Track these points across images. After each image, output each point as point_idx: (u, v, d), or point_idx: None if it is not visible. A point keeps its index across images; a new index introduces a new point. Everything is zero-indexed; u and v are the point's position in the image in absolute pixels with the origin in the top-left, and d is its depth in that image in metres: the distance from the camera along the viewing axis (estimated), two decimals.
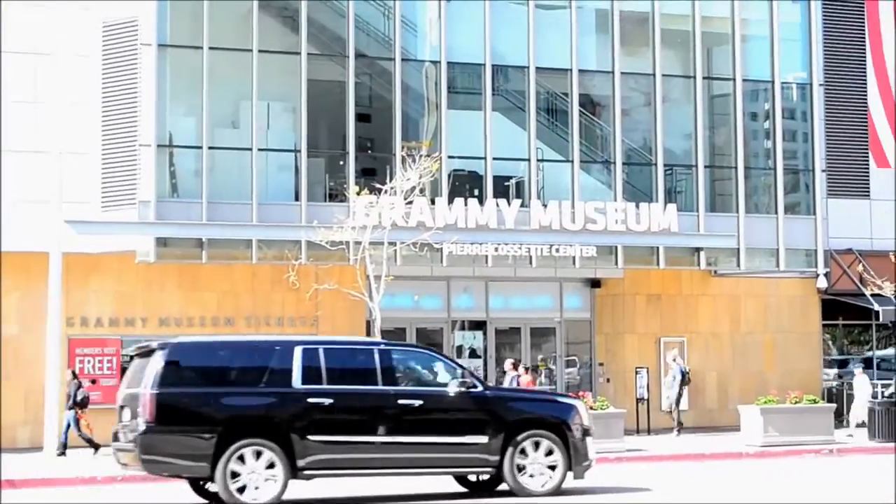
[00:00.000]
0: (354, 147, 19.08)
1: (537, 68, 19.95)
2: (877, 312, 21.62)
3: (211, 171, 18.25)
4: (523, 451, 9.79)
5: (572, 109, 20.49)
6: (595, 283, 21.73)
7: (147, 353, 9.97)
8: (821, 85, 21.49)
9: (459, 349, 21.30)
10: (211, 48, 17.85)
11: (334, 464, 9.40)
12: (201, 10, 17.88)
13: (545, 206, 19.48)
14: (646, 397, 20.19)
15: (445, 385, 9.95)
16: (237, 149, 18.64)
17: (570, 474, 9.91)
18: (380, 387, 9.50)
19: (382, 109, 20.28)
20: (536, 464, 9.83)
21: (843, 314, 23.25)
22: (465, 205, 18.89)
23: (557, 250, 19.56)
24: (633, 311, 22.38)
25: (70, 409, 15.71)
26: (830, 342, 24.36)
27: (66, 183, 15.56)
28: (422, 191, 17.51)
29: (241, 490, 8.91)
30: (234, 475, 8.79)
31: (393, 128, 19.21)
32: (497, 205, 19.04)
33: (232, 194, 18.65)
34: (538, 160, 20.30)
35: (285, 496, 9.19)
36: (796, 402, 18.19)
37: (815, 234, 21.68)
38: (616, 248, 20.28)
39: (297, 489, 9.64)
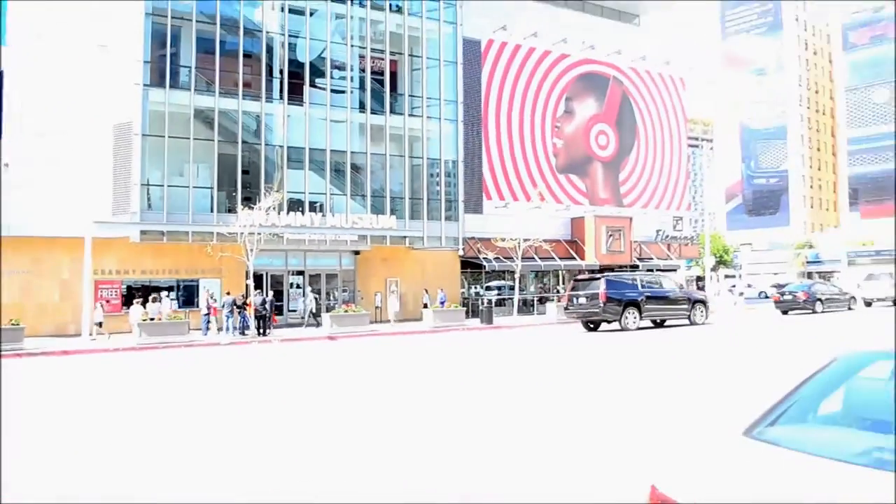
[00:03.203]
0: (241, 186, 30.14)
1: (331, 150, 32.04)
2: (486, 266, 35.54)
3: (170, 198, 28.83)
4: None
5: (347, 169, 32.48)
6: (357, 252, 33.28)
7: (594, 279, 25.97)
8: (461, 161, 35.66)
9: (291, 285, 32.47)
10: (170, 136, 28.87)
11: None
12: (164, 117, 28.78)
13: (333, 216, 31.35)
14: (378, 306, 33.10)
15: None
16: (185, 186, 29.19)
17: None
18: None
19: (256, 168, 30.84)
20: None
21: (470, 267, 37.21)
22: (296, 215, 30.30)
23: (338, 237, 31.57)
24: (375, 266, 34.12)
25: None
26: (464, 279, 38.22)
27: (90, 199, 27.61)
28: (274, 208, 28.09)
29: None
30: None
31: (260, 177, 30.37)
32: (311, 216, 30.77)
33: (179, 209, 29.09)
34: (331, 194, 32.09)
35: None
36: (451, 307, 31.20)
37: (458, 229, 35.31)
38: (367, 236, 32.14)
39: None
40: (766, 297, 54.75)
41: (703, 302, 27.84)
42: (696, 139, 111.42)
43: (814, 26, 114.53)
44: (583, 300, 25.54)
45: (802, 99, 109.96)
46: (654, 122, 48.21)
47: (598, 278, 25.97)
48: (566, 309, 26.84)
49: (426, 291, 34.04)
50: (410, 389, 12.55)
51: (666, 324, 27.13)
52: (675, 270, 41.88)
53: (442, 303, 32.65)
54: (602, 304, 24.85)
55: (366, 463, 6.85)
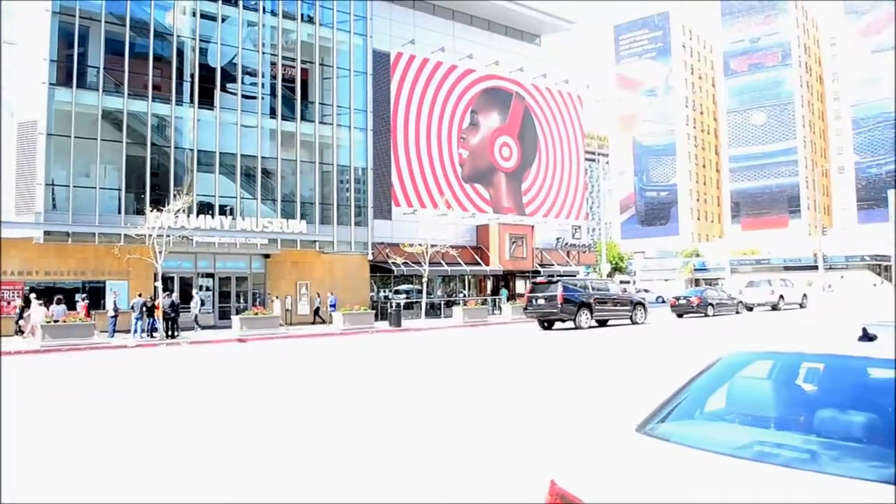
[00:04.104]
0: (150, 189, 29.43)
1: (242, 155, 31.87)
2: (394, 271, 36.56)
3: (75, 198, 27.95)
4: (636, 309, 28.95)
5: (258, 174, 32.34)
6: (267, 256, 33.15)
7: (552, 282, 27.78)
8: (371, 168, 36.13)
9: (201, 287, 31.70)
10: (76, 137, 28.01)
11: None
12: (70, 117, 27.87)
13: (244, 219, 31.07)
14: (289, 309, 33.20)
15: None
16: (92, 187, 28.29)
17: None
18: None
19: (165, 171, 30.22)
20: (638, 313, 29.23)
21: (379, 271, 37.78)
22: (205, 218, 29.71)
23: (249, 241, 31.27)
24: (285, 269, 34.00)
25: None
26: (373, 283, 38.60)
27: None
28: (184, 211, 27.81)
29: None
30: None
31: (170, 180, 29.75)
32: (221, 219, 30.27)
33: (86, 210, 28.15)
34: (241, 198, 31.90)
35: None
36: (360, 310, 31.13)
37: (368, 235, 35.72)
38: (277, 240, 31.94)
39: None
40: (663, 301, 57.17)
41: (643, 304, 30.29)
42: (593, 153, 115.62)
43: (699, 53, 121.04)
44: (541, 301, 27.43)
45: (689, 119, 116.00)
46: (553, 136, 50.05)
47: (556, 282, 27.88)
48: (525, 309, 28.84)
49: (318, 295, 33.91)
50: (324, 390, 12.49)
51: (609, 323, 29.09)
52: (574, 276, 43.40)
53: (332, 306, 32.63)
54: (560, 305, 26.89)
55: (276, 466, 6.67)
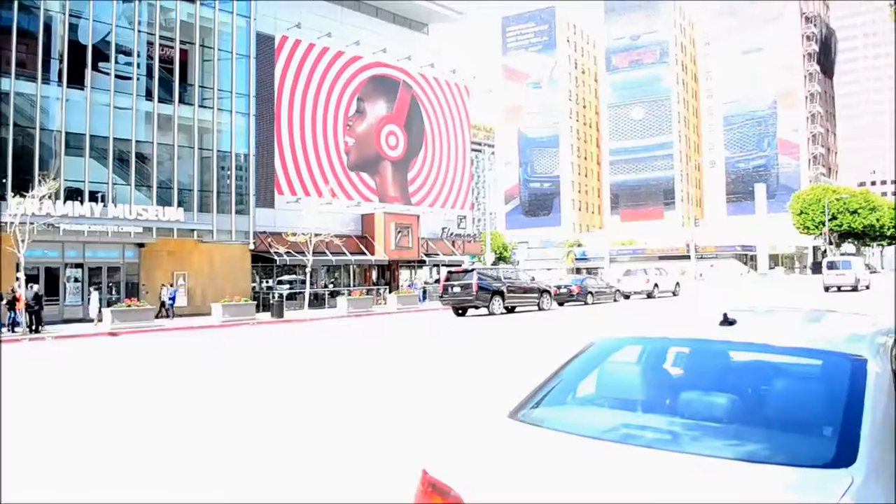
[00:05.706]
0: (12, 173, 27.68)
1: (115, 138, 30.74)
2: (277, 261, 36.41)
3: None
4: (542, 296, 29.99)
5: (132, 159, 31.37)
6: (141, 245, 32.33)
7: (467, 271, 29.78)
8: (253, 155, 35.76)
9: (69, 278, 30.53)
10: None
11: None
12: None
13: (116, 206, 29.97)
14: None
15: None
16: None
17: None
18: None
19: (29, 154, 28.63)
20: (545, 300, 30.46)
21: (261, 261, 37.51)
22: (74, 204, 28.62)
23: (121, 229, 30.28)
24: (160, 259, 33.15)
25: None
26: (255, 274, 38.23)
27: None
28: (50, 197, 26.31)
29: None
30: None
31: (35, 164, 28.18)
32: (91, 206, 29.18)
33: None
34: (114, 184, 30.79)
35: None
36: (241, 301, 30.39)
37: (249, 223, 35.41)
38: (153, 228, 31.15)
39: None
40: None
41: (549, 292, 32.09)
42: (479, 144, 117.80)
43: (583, 48, 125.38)
44: (457, 290, 29.10)
45: (572, 112, 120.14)
46: (440, 126, 50.86)
47: (470, 271, 29.83)
48: (441, 297, 30.22)
49: (161, 286, 32.16)
50: (191, 386, 12.50)
51: (518, 310, 30.61)
52: (460, 265, 44.37)
53: (171, 299, 31.48)
54: (475, 293, 28.47)
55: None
